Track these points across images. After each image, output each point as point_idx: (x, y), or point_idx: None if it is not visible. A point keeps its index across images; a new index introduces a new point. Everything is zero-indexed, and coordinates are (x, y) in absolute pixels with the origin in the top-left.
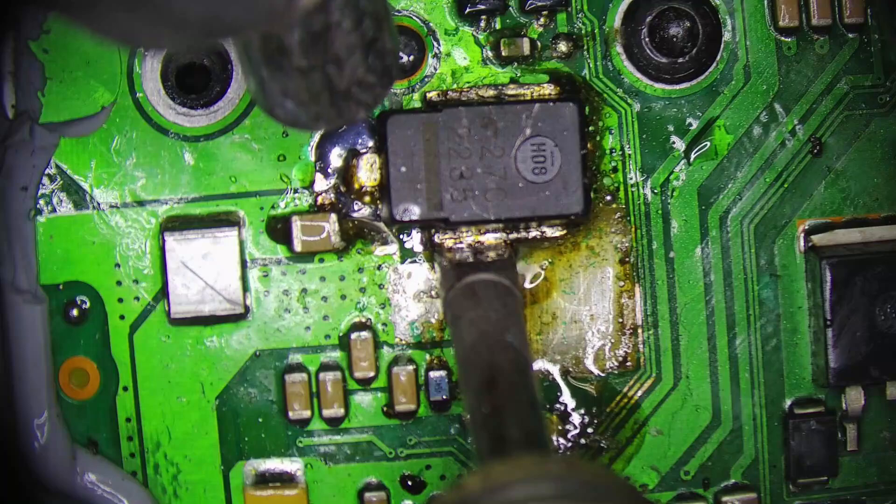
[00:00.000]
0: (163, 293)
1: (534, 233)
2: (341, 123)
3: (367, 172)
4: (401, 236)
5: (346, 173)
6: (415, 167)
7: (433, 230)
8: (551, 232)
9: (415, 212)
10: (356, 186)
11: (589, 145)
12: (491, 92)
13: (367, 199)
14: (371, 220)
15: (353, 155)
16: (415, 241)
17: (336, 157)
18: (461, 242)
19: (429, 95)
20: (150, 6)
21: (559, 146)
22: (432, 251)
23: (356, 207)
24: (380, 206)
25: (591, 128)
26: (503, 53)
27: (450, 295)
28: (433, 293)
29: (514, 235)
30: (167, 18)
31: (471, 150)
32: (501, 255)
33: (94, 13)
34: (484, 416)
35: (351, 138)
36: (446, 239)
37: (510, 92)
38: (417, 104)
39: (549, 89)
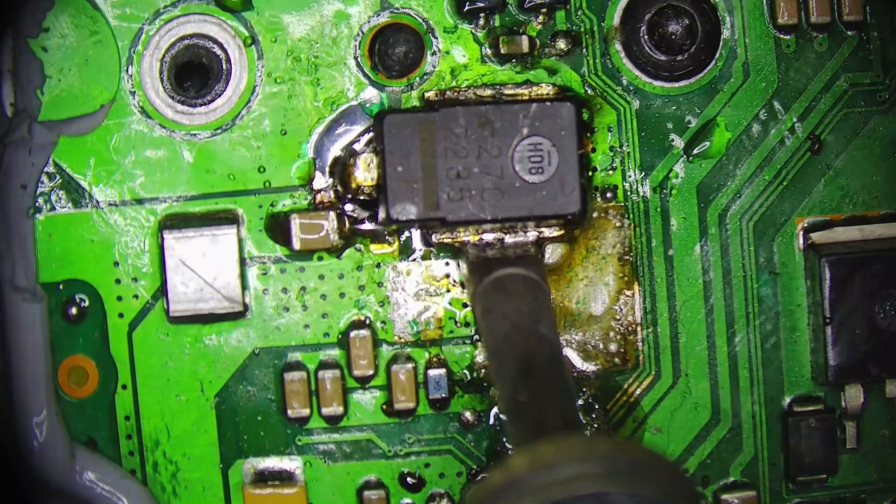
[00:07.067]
0: (162, 291)
1: (531, 233)
2: None
3: (364, 172)
4: (400, 236)
5: (344, 173)
6: (411, 167)
7: (430, 230)
8: (549, 232)
9: (411, 211)
10: (353, 186)
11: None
12: (488, 91)
13: (364, 198)
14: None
15: (350, 154)
16: (416, 240)
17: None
18: (486, 238)
19: (427, 95)
20: None
21: (556, 146)
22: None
23: (351, 209)
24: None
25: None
26: (502, 51)
27: (479, 289)
28: (432, 291)
29: (510, 235)
30: None
31: (468, 150)
32: (528, 251)
33: None
34: (521, 405)
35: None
36: (444, 238)
37: (508, 91)
38: (416, 102)
39: (546, 89)
